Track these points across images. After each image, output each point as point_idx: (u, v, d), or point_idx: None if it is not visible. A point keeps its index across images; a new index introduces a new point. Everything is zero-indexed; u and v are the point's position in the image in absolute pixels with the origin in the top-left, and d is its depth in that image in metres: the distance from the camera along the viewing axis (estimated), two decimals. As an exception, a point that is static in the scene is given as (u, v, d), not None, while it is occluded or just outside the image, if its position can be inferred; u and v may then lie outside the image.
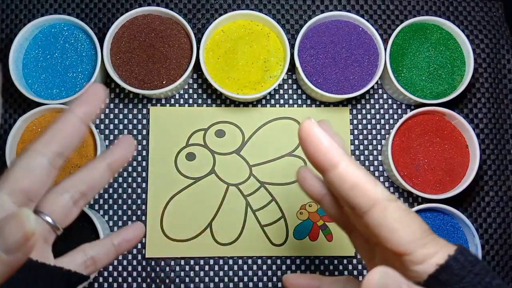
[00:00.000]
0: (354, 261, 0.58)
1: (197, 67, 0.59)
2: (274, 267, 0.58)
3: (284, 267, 0.58)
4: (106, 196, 0.59)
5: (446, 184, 0.57)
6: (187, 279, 0.57)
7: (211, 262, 0.58)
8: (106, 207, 0.58)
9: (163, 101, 0.60)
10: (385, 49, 0.57)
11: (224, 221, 0.58)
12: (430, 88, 0.58)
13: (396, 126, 0.56)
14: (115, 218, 0.58)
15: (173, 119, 0.60)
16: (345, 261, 0.58)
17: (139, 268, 0.57)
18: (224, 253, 0.58)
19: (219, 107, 0.60)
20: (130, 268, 0.57)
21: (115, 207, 0.58)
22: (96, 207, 0.58)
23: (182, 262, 0.58)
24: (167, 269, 0.58)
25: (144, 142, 0.59)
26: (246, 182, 0.59)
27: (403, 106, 0.61)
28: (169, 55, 0.57)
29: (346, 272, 0.58)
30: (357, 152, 0.60)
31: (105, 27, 0.61)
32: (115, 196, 0.59)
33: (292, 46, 0.59)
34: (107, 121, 0.60)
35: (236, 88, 0.57)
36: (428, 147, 0.57)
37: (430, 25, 0.59)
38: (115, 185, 0.59)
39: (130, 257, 0.58)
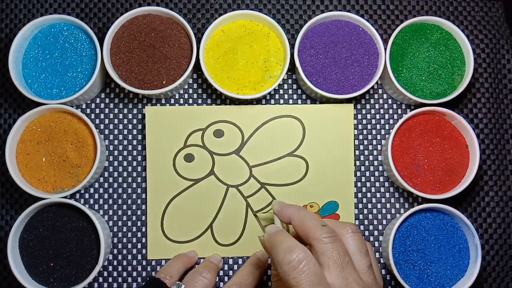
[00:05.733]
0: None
1: (197, 67, 0.59)
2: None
3: (284, 267, 0.58)
4: (106, 196, 0.58)
5: (446, 184, 0.57)
6: (187, 279, 0.57)
7: (211, 262, 0.58)
8: (106, 207, 0.58)
9: (163, 101, 0.60)
10: (385, 49, 0.57)
11: (224, 223, 0.58)
12: (430, 88, 0.58)
13: (396, 126, 0.56)
14: (115, 218, 0.58)
15: (170, 119, 0.58)
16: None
17: (139, 268, 0.57)
18: (225, 254, 0.58)
19: (217, 106, 0.60)
20: (130, 268, 0.57)
21: (115, 207, 0.58)
22: (96, 207, 0.58)
23: (182, 262, 0.58)
24: (167, 269, 0.57)
25: (144, 142, 0.59)
26: (246, 183, 0.58)
27: (403, 106, 0.61)
28: (169, 55, 0.57)
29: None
30: (357, 152, 0.60)
31: (105, 27, 0.61)
32: (115, 196, 0.58)
33: (292, 46, 0.59)
34: (106, 121, 0.60)
35: (236, 88, 0.57)
36: (428, 147, 0.57)
37: (430, 25, 0.59)
38: (115, 185, 0.59)
39: (130, 257, 0.58)
